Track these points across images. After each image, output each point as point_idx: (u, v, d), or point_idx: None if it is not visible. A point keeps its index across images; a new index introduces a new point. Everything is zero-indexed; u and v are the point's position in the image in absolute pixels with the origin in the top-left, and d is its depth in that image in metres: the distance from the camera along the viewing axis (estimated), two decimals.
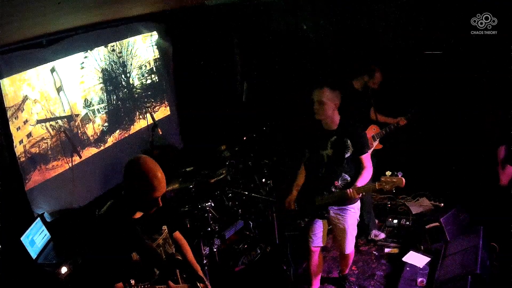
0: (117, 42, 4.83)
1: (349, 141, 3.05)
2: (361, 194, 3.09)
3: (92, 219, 3.56)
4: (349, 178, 3.09)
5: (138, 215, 2.06)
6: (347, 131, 3.08)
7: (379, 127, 4.18)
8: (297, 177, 3.36)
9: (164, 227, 2.22)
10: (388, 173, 2.97)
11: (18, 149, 3.80)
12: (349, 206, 3.16)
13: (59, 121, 4.21)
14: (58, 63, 4.13)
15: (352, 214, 3.20)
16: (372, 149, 4.16)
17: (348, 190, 2.95)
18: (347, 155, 3.06)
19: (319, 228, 3.28)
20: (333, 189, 3.10)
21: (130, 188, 1.96)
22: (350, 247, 3.32)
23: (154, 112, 5.27)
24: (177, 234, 2.37)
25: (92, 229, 2.02)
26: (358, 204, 3.21)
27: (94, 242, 1.97)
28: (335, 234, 3.37)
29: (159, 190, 1.95)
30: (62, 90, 4.23)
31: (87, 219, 3.84)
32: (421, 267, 3.53)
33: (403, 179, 2.83)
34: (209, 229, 3.91)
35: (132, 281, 1.95)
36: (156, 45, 5.34)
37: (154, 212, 2.05)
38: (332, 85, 3.08)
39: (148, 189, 1.93)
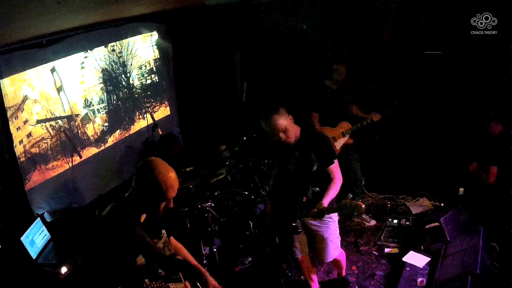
0: (117, 42, 4.83)
1: (313, 155, 2.82)
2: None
3: (94, 222, 3.56)
4: (318, 189, 2.89)
5: (142, 218, 2.05)
6: (309, 144, 2.83)
7: (351, 123, 4.31)
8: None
9: (163, 231, 2.22)
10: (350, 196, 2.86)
11: (18, 149, 3.80)
12: (326, 217, 2.92)
13: (59, 121, 4.21)
14: (58, 63, 4.13)
15: (331, 223, 3.07)
16: (342, 144, 4.28)
17: (313, 210, 2.68)
18: (314, 169, 2.84)
19: (299, 241, 3.22)
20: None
21: (142, 189, 1.95)
22: (331, 255, 3.17)
23: (154, 112, 5.27)
24: (172, 239, 2.36)
25: (96, 233, 2.01)
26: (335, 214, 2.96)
27: (98, 247, 1.97)
28: (314, 244, 3.19)
29: (172, 191, 1.97)
30: (62, 90, 4.23)
31: (87, 219, 3.84)
32: (421, 267, 3.53)
33: (363, 205, 2.53)
34: (209, 229, 3.91)
35: (147, 280, 1.94)
36: (156, 45, 5.34)
37: (157, 216, 2.05)
38: (276, 109, 2.75)
39: (161, 190, 1.93)
